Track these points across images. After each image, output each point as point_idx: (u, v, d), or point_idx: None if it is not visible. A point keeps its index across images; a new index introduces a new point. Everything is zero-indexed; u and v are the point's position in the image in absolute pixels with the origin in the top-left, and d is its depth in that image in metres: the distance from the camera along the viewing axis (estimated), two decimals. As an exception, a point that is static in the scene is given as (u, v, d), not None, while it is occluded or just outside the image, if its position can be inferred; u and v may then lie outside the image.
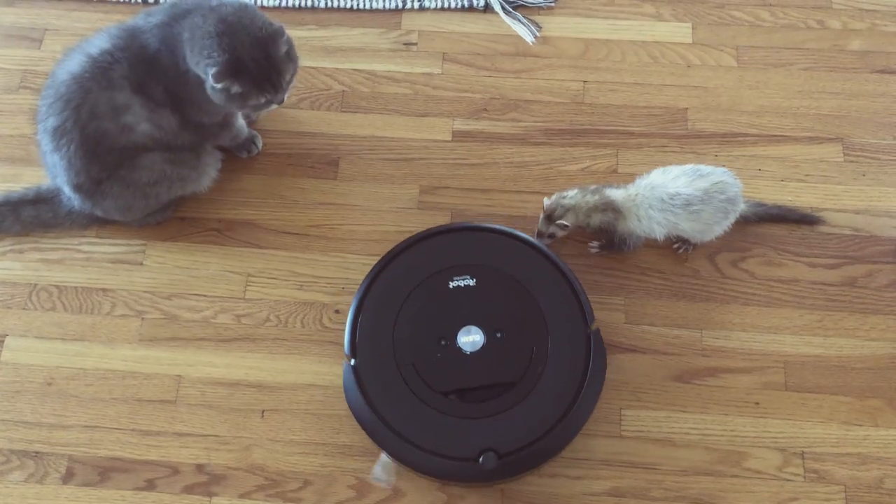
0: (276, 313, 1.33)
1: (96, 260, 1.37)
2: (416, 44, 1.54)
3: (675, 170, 1.22)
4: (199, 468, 1.23)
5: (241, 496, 1.21)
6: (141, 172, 1.26)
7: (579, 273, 1.32)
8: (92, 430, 1.25)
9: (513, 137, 1.45)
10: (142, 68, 1.19)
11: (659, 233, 1.24)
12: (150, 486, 1.22)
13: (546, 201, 1.27)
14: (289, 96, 1.24)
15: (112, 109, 1.19)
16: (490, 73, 1.51)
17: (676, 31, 1.54)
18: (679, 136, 1.44)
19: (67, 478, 1.22)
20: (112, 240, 1.39)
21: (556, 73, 1.50)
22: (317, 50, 1.54)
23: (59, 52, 1.51)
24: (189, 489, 1.22)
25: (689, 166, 1.22)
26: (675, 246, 1.33)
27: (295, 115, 1.48)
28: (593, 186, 1.27)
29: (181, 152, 1.29)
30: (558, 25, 1.55)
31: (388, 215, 1.39)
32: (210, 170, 1.37)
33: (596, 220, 1.25)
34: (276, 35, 1.15)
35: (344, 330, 1.22)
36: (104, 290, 1.35)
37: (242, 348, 1.31)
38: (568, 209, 1.24)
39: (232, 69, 1.13)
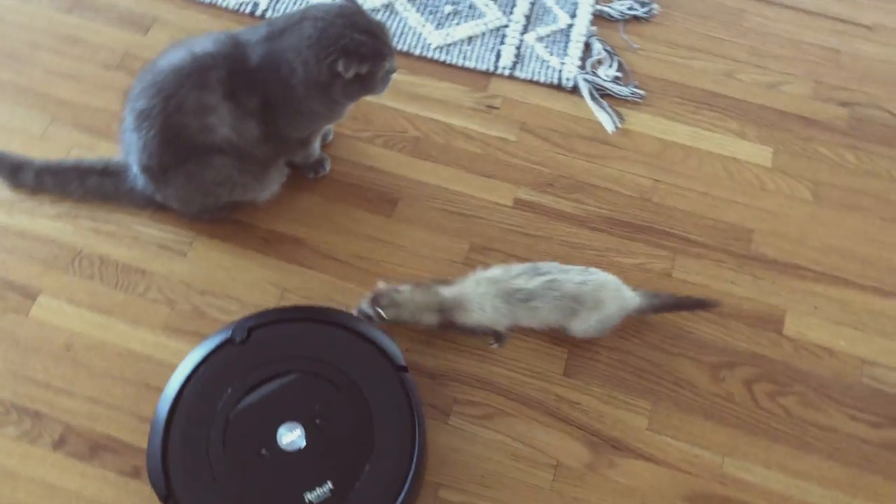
0: (300, 334, 1.32)
1: (143, 241, 1.40)
2: (497, 108, 1.57)
3: (516, 267, 1.24)
4: (186, 469, 1.20)
5: None
6: (208, 171, 1.29)
7: (610, 369, 1.29)
8: (95, 404, 1.24)
9: (573, 218, 1.44)
10: (240, 78, 1.23)
11: (501, 324, 1.25)
12: (135, 473, 1.19)
13: (380, 284, 1.24)
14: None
15: (199, 108, 1.23)
16: (564, 151, 1.52)
17: (757, 153, 1.53)
18: (739, 256, 1.41)
19: (58, 444, 1.21)
20: (163, 225, 1.41)
21: (629, 166, 1.50)
22: (402, 94, 1.57)
23: (162, 42, 1.59)
24: (171, 487, 1.19)
25: (528, 265, 1.24)
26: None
27: (366, 149, 1.51)
28: (425, 284, 1.25)
29: (251, 162, 1.32)
30: (641, 121, 1.56)
31: (432, 264, 1.39)
32: (273, 183, 1.39)
33: (427, 318, 1.24)
34: (358, 7, 1.21)
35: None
36: (143, 271, 1.37)
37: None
38: (395, 304, 1.22)
39: (352, 52, 1.17)
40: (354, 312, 1.25)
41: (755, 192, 1.48)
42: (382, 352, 1.19)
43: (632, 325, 1.33)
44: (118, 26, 1.64)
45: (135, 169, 1.32)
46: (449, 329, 1.28)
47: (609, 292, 1.23)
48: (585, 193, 1.47)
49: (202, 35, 1.28)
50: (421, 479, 1.14)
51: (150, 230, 1.41)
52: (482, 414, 1.24)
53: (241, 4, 1.66)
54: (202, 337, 1.30)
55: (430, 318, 1.24)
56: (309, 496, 1.08)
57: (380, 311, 1.21)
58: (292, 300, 1.34)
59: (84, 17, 1.65)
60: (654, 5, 1.70)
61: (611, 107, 1.56)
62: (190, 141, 1.26)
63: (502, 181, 1.48)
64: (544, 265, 1.23)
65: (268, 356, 1.18)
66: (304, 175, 1.46)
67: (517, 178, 1.48)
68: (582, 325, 1.24)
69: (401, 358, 1.19)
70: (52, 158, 1.43)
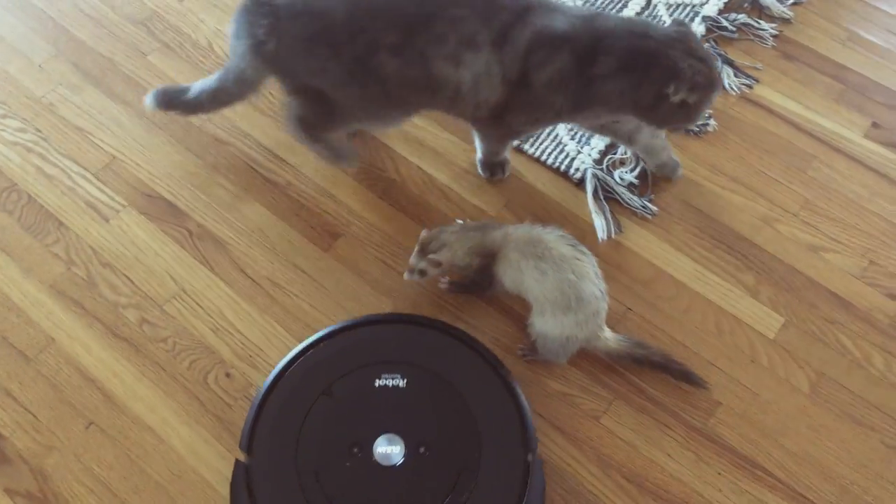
0: (176, 340, 1.20)
1: (76, 194, 1.34)
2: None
3: (559, 231, 1.14)
4: (-3, 437, 1.11)
5: (6, 491, 1.07)
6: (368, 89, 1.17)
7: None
8: (-56, 338, 1.18)
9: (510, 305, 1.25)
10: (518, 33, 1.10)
11: (507, 282, 1.15)
12: (-56, 423, 1.11)
13: (424, 233, 1.16)
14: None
15: (468, 36, 1.10)
16: (542, 244, 1.33)
17: (763, 319, 1.27)
18: (692, 427, 1.17)
19: None
20: (102, 186, 1.35)
21: (606, 281, 1.28)
22: (400, 132, 1.45)
23: (194, 11, 1.56)
24: (-30, 450, 1.10)
25: (573, 239, 1.13)
26: (520, 349, 1.21)
27: (336, 175, 1.39)
28: (476, 223, 1.18)
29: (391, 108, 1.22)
30: (642, 239, 1.35)
31: (343, 316, 1.24)
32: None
33: (476, 262, 1.15)
34: (692, 31, 1.13)
35: (241, 414, 1.10)
36: (61, 223, 1.30)
37: (124, 352, 1.19)
38: (445, 244, 1.14)
39: (686, 78, 1.09)
40: (406, 277, 1.19)
41: (742, 362, 1.23)
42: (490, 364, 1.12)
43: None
44: (162, -14, 1.63)
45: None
46: (485, 282, 1.17)
47: (598, 323, 1.14)
48: (543, 297, 1.27)
49: None
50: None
51: (89, 186, 1.35)
52: None
53: (283, -1, 1.61)
54: (81, 308, 1.22)
55: (478, 263, 1.16)
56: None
57: (434, 258, 1.14)
58: (184, 302, 1.24)
59: (135, -30, 1.65)
60: (713, 122, 1.49)
61: (612, 214, 1.36)
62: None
63: (460, 254, 1.31)
64: (587, 250, 1.14)
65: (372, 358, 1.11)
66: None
67: (478, 256, 1.31)
68: (554, 329, 1.13)
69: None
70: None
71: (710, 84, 1.11)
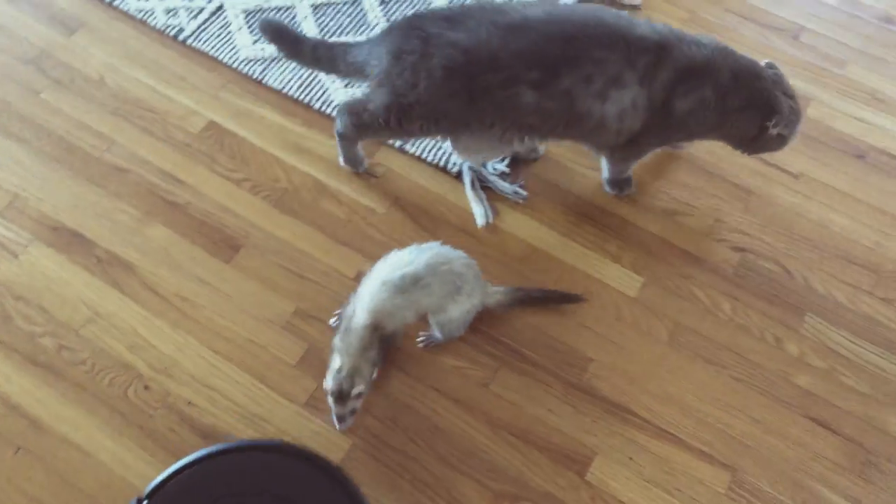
0: (94, 360, 1.30)
1: (-17, 234, 1.41)
2: (377, 177, 1.53)
3: (393, 256, 1.23)
4: (-69, 470, 1.19)
5: (-55, 518, 1.16)
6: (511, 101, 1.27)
7: (389, 472, 1.21)
8: None
9: (408, 305, 1.39)
10: (666, 74, 1.26)
11: (410, 318, 1.24)
12: None
13: (326, 385, 1.16)
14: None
15: (615, 76, 1.25)
16: (427, 235, 1.47)
17: (624, 280, 1.44)
18: (569, 383, 1.33)
19: None
20: (8, 223, 1.42)
21: (487, 263, 1.43)
22: (289, 144, 1.56)
23: (82, 48, 1.63)
24: None
25: (407, 248, 1.23)
26: (420, 338, 1.33)
27: (231, 190, 1.49)
28: (338, 336, 1.20)
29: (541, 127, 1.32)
30: (516, 221, 1.50)
31: (249, 321, 1.35)
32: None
33: (373, 354, 1.18)
34: (780, 71, 1.34)
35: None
36: (-30, 264, 1.38)
37: (44, 378, 1.28)
38: (353, 375, 1.15)
39: (785, 115, 1.30)
40: (341, 429, 1.19)
41: (608, 320, 1.40)
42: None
43: (425, 430, 1.26)
44: (47, 24, 1.69)
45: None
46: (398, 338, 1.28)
47: (480, 283, 1.28)
48: (431, 283, 1.41)
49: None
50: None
51: (-5, 225, 1.42)
52: None
53: (167, 27, 1.69)
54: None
55: (375, 353, 1.19)
56: None
57: (356, 391, 1.15)
58: (98, 326, 1.33)
59: (18, 8, 1.70)
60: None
61: (489, 200, 1.50)
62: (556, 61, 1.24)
63: (354, 251, 1.44)
64: (424, 244, 1.24)
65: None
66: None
67: (370, 252, 1.44)
68: (455, 311, 1.25)
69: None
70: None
71: (798, 119, 1.34)
